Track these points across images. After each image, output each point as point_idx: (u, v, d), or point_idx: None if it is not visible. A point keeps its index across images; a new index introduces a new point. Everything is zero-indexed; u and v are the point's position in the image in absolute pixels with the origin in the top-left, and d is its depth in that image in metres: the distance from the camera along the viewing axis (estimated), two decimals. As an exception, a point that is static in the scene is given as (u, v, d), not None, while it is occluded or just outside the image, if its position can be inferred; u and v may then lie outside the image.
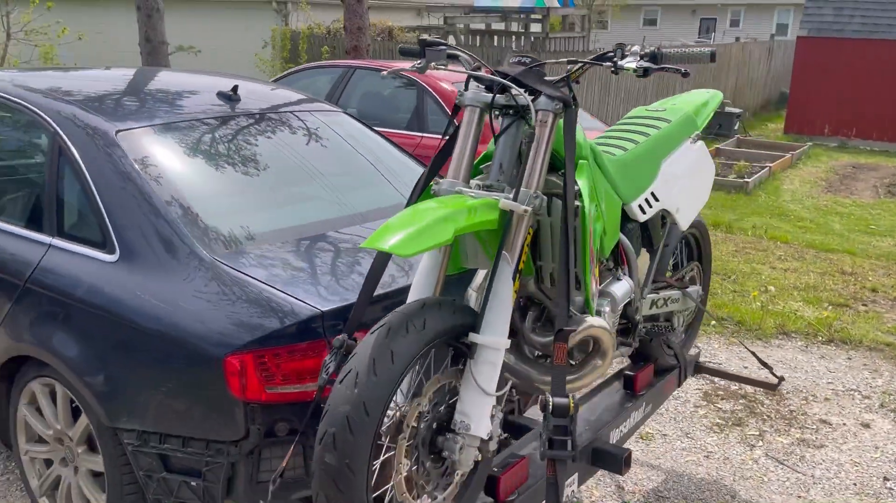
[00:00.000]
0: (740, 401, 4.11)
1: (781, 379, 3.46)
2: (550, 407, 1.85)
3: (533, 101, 2.00)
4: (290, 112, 3.33)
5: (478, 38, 15.00)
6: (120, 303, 2.38)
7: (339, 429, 1.65)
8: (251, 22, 14.81)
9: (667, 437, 3.71)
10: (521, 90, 2.00)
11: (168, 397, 2.31)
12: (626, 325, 2.66)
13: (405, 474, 1.82)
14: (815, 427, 3.87)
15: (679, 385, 3.28)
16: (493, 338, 1.88)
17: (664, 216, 2.76)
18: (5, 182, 3.14)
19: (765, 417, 3.95)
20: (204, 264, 2.35)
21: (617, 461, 2.56)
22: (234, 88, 3.21)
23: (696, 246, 3.32)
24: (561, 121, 2.08)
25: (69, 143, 2.69)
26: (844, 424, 3.91)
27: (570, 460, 1.87)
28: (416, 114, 5.58)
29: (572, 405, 1.85)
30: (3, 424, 2.86)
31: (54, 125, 2.75)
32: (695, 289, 3.11)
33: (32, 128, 2.97)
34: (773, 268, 6.59)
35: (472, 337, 1.88)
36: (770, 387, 3.51)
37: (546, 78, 2.05)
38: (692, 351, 3.47)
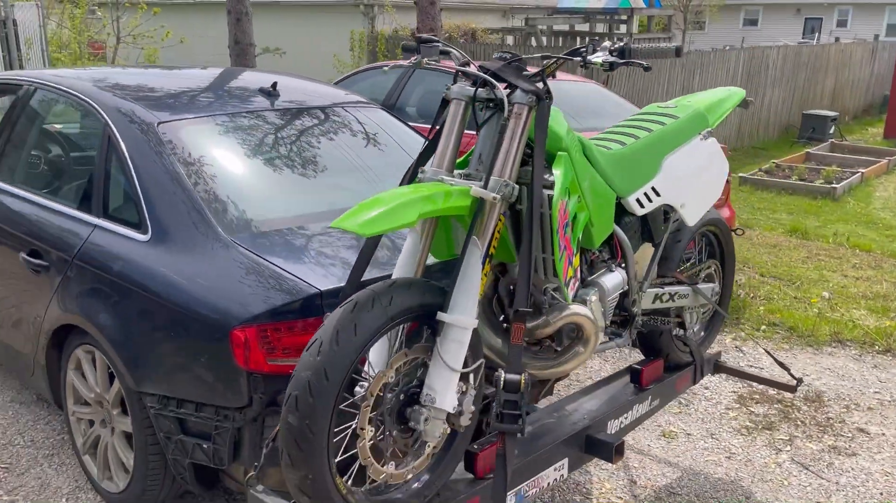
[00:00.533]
0: (775, 405, 4.05)
1: (800, 381, 3.40)
2: (502, 382, 1.94)
3: (509, 94, 2.10)
4: (325, 106, 3.52)
5: (560, 39, 14.97)
6: (147, 279, 2.61)
7: (301, 392, 1.80)
8: (339, 25, 15.27)
9: (690, 437, 3.70)
10: (500, 84, 2.10)
11: (184, 365, 2.52)
12: (624, 317, 2.71)
13: (370, 440, 1.95)
14: (850, 435, 3.77)
15: (695, 382, 3.28)
16: (460, 318, 1.99)
17: (667, 211, 2.79)
18: (65, 167, 3.46)
19: (798, 423, 3.87)
20: (221, 245, 2.55)
21: (608, 449, 2.61)
22: (273, 85, 3.43)
23: (716, 244, 3.31)
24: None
25: (116, 133, 2.96)
26: (883, 434, 3.79)
27: (518, 434, 1.95)
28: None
29: (523, 382, 1.94)
30: (57, 387, 3.16)
31: (105, 116, 3.03)
32: (708, 287, 3.11)
33: (88, 119, 3.27)
34: (844, 275, 6.37)
35: (440, 315, 2.00)
36: (789, 390, 3.45)
37: (524, 73, 2.14)
38: (712, 349, 3.46)
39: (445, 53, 2.33)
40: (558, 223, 2.08)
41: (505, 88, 2.09)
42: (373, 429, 1.95)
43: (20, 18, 14.03)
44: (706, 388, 4.18)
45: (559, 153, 2.20)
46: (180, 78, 3.79)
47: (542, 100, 2.09)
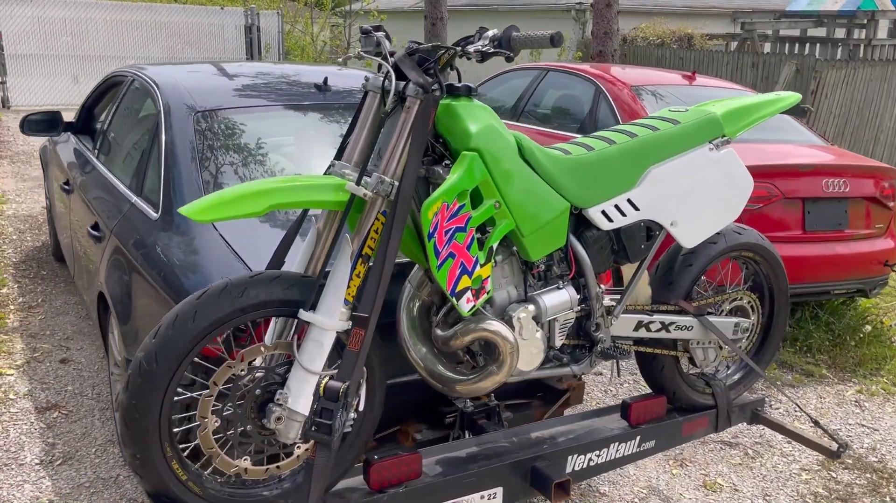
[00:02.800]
0: (867, 474, 3.40)
1: (843, 447, 2.81)
2: (322, 388, 1.82)
3: (405, 87, 1.98)
4: None
5: (787, 45, 13.67)
6: (145, 255, 2.79)
7: (133, 373, 1.84)
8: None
9: (737, 494, 3.22)
10: (412, 75, 1.98)
11: None
12: (585, 342, 2.43)
13: (215, 432, 1.93)
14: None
15: (717, 430, 2.85)
16: (319, 318, 1.91)
17: (651, 229, 2.45)
18: (131, 149, 3.81)
19: (888, 500, 3.22)
20: (204, 227, 2.65)
21: (546, 485, 2.36)
22: (325, 80, 3.51)
23: (762, 276, 2.85)
24: (458, 106, 2.04)
25: (162, 119, 3.20)
26: None
27: (333, 445, 1.81)
28: (590, 116, 5.41)
29: (342, 391, 1.80)
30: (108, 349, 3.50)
31: (160, 103, 3.30)
32: (727, 322, 2.69)
33: (153, 105, 3.57)
34: None
35: (300, 314, 1.93)
36: (830, 455, 2.86)
37: (424, 65, 1.99)
38: (750, 395, 2.99)
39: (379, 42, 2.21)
40: (429, 227, 1.91)
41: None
42: (218, 420, 1.93)
43: (263, 25, 15.62)
44: (788, 443, 3.62)
45: (464, 152, 2.02)
46: (260, 73, 4.01)
47: (427, 92, 1.94)
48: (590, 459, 2.55)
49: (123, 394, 1.85)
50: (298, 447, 2.06)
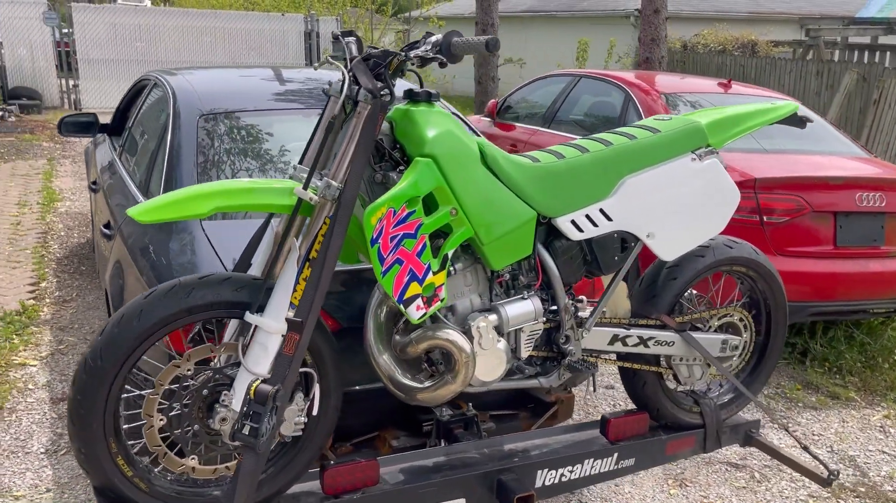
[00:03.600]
0: (880, 504, 3.23)
1: (833, 475, 2.66)
2: (252, 390, 1.82)
3: (357, 92, 1.97)
4: None
5: (856, 53, 13.14)
6: (140, 252, 2.86)
7: (80, 368, 1.88)
8: (604, 35, 15.02)
9: (735, 517, 3.11)
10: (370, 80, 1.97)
11: None
12: (554, 355, 2.37)
13: (158, 428, 1.96)
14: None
15: (706, 450, 2.74)
16: (264, 320, 1.92)
17: (626, 240, 2.38)
18: (144, 150, 3.91)
19: (898, 532, 3.05)
20: (195, 229, 2.70)
21: (508, 497, 2.31)
22: (330, 83, 3.54)
23: (758, 293, 2.74)
24: (416, 112, 2.03)
25: (171, 121, 3.29)
26: None
27: (259, 449, 1.81)
28: (618, 123, 5.31)
29: (271, 395, 1.80)
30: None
31: (171, 106, 3.38)
32: (714, 339, 2.59)
33: (167, 108, 3.66)
34: None
35: (246, 316, 1.94)
36: (821, 482, 2.71)
37: (376, 71, 1.98)
38: (745, 415, 2.86)
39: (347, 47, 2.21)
40: (372, 233, 1.89)
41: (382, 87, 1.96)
42: (164, 418, 1.96)
43: (322, 31, 15.89)
44: (800, 466, 3.46)
45: (417, 158, 2.00)
46: (274, 77, 4.07)
47: (376, 97, 1.93)
48: (562, 475, 2.49)
49: (70, 389, 1.89)
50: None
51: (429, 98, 2.10)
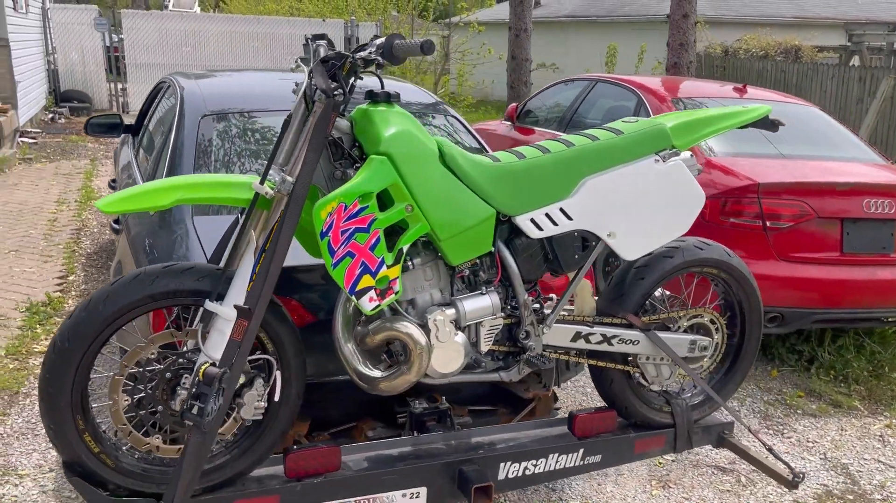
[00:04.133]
0: (866, 512, 3.19)
1: (797, 476, 2.65)
2: (201, 372, 1.93)
3: (314, 91, 2.07)
4: None
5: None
6: (134, 240, 3.00)
7: (49, 349, 2.01)
8: (642, 41, 14.93)
9: (715, 519, 3.11)
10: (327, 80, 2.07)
11: None
12: (515, 349, 2.43)
13: (122, 408, 2.07)
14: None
15: (676, 450, 2.77)
16: (221, 308, 2.03)
17: (587, 239, 2.43)
18: (155, 152, 4.07)
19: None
20: (183, 219, 2.82)
21: (467, 487, 2.38)
22: (297, 84, 3.65)
23: (725, 292, 2.76)
24: (374, 112, 2.12)
25: (176, 120, 3.43)
26: None
27: (204, 428, 1.90)
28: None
29: (218, 378, 1.90)
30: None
31: (177, 107, 3.53)
32: (681, 339, 2.62)
33: (173, 110, 3.81)
34: None
35: (206, 304, 2.05)
36: (786, 484, 2.70)
37: (333, 72, 2.07)
38: (719, 417, 2.87)
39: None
40: (322, 226, 1.99)
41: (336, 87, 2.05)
42: (129, 399, 2.07)
43: (362, 36, 16.13)
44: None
45: (372, 156, 2.09)
46: (273, 79, 4.23)
47: (329, 97, 2.02)
48: (525, 468, 2.54)
49: (41, 369, 2.03)
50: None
51: (388, 99, 2.18)
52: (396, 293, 2.15)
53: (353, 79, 2.12)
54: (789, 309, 4.18)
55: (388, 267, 2.12)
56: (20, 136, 10.90)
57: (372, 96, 2.19)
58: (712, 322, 2.71)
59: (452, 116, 3.79)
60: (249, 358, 2.13)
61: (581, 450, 2.61)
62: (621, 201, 2.40)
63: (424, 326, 2.23)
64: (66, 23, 14.60)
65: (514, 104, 6.95)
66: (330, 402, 2.83)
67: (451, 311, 2.27)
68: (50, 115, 13.46)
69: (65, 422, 2.03)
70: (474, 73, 16.73)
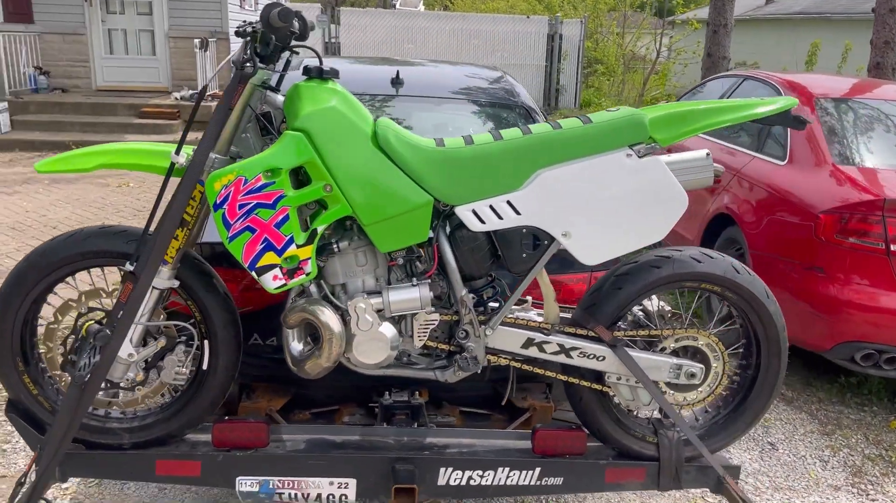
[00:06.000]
0: None
1: None
2: (83, 330, 1.98)
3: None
4: (437, 97, 3.58)
5: None
6: None
7: None
8: (844, 38, 13.28)
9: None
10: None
11: None
12: (453, 349, 2.26)
13: (57, 357, 2.21)
14: None
15: (659, 488, 2.41)
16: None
17: (539, 237, 2.18)
18: None
19: None
20: None
21: (386, 486, 2.27)
22: (397, 73, 3.65)
23: (740, 316, 2.36)
24: (304, 87, 2.10)
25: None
26: None
27: (76, 380, 1.95)
28: (761, 130, 4.72)
29: (93, 334, 1.95)
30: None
31: None
32: (663, 362, 2.28)
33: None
34: None
35: (126, 265, 2.13)
36: None
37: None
38: (727, 456, 2.46)
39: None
40: (215, 198, 1.97)
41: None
42: (62, 348, 2.21)
43: (566, 33, 15.95)
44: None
45: (287, 132, 2.05)
46: (379, 65, 4.31)
47: (239, 69, 2.00)
48: (470, 477, 2.36)
49: None
50: (138, 389, 2.27)
51: (320, 74, 2.13)
52: (308, 275, 2.09)
53: (281, 53, 2.09)
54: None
55: (299, 246, 2.06)
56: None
57: (306, 72, 2.14)
58: (710, 347, 2.34)
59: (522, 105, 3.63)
60: (174, 324, 2.19)
61: (538, 469, 2.37)
62: (580, 198, 2.14)
63: (346, 313, 2.15)
64: (293, 18, 15.86)
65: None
66: (315, 383, 2.83)
67: (375, 300, 2.17)
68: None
69: (6, 363, 2.21)
70: (685, 73, 15.86)
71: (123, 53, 11.51)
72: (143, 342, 2.18)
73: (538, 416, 2.81)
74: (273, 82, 2.17)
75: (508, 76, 4.12)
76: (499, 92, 3.78)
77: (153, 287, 2.11)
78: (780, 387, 2.41)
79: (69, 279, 2.22)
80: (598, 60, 17.94)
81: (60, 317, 2.21)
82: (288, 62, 2.13)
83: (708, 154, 2.28)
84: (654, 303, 2.41)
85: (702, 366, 2.32)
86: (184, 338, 2.25)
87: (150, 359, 2.22)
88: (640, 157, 2.14)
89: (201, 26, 11.19)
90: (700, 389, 2.36)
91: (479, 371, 2.27)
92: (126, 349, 2.13)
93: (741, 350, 2.46)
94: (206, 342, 2.24)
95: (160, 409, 2.33)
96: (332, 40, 15.98)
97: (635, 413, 2.44)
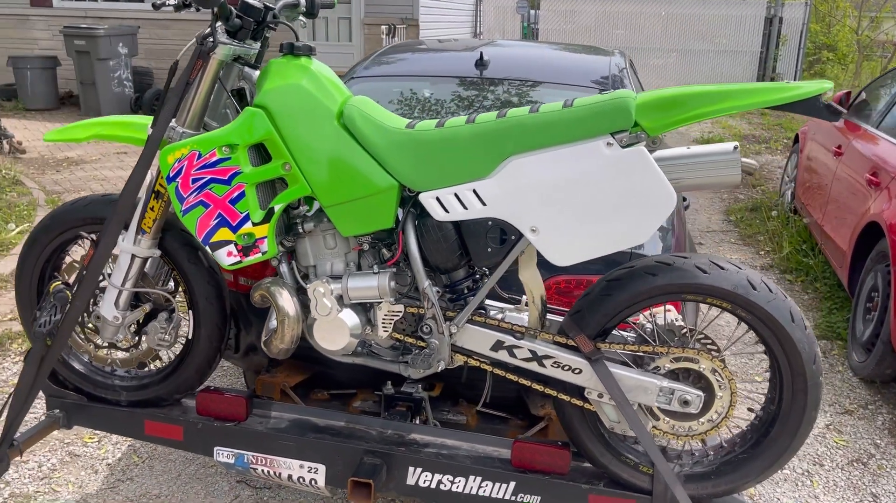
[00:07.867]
0: None
1: None
2: (52, 287, 2.08)
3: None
4: (522, 79, 3.42)
5: None
6: None
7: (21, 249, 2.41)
8: None
9: None
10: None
11: None
12: (417, 344, 2.11)
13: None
14: None
15: (652, 525, 2.12)
16: (124, 244, 2.19)
17: (507, 231, 1.97)
18: None
19: None
20: None
21: (344, 479, 2.19)
22: (481, 55, 3.53)
23: (763, 341, 1.99)
24: (273, 63, 2.08)
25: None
26: None
27: (33, 336, 2.06)
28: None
29: (53, 294, 2.03)
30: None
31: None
32: (651, 382, 1.98)
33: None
34: None
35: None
36: None
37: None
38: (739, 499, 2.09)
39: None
40: (168, 171, 1.98)
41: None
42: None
43: (787, 17, 14.60)
44: None
45: (247, 108, 2.01)
46: (457, 45, 4.22)
47: (199, 44, 2.00)
48: (440, 481, 2.22)
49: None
50: (133, 351, 2.38)
51: (292, 51, 2.08)
52: (265, 253, 2.06)
53: (256, 28, 2.07)
54: None
55: (255, 224, 2.04)
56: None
57: (281, 48, 2.11)
58: (714, 372, 2.00)
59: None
60: (157, 292, 2.28)
61: (512, 484, 2.18)
62: (551, 190, 1.90)
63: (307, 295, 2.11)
64: (492, 7, 15.93)
65: (847, 90, 5.62)
66: (337, 364, 2.81)
67: (336, 286, 2.10)
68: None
69: (25, 309, 2.42)
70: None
71: (324, 40, 12.22)
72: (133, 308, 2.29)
73: (554, 426, 2.59)
74: (254, 59, 2.16)
75: (624, 61, 3.82)
76: (595, 77, 3.52)
77: (133, 255, 2.20)
78: (806, 430, 2.01)
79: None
80: (827, 46, 16.23)
81: (66, 275, 2.38)
82: (265, 38, 2.11)
83: (736, 147, 1.93)
84: (665, 317, 2.11)
85: (699, 393, 2.00)
86: (172, 306, 2.33)
87: (140, 323, 2.33)
88: (622, 146, 1.87)
89: (393, 13, 11.57)
90: (701, 420, 2.03)
91: (441, 370, 2.12)
92: (111, 311, 2.25)
93: (769, 379, 2.09)
94: (191, 312, 2.30)
95: (156, 373, 2.43)
96: (533, 26, 15.86)
97: (623, 438, 2.16)
